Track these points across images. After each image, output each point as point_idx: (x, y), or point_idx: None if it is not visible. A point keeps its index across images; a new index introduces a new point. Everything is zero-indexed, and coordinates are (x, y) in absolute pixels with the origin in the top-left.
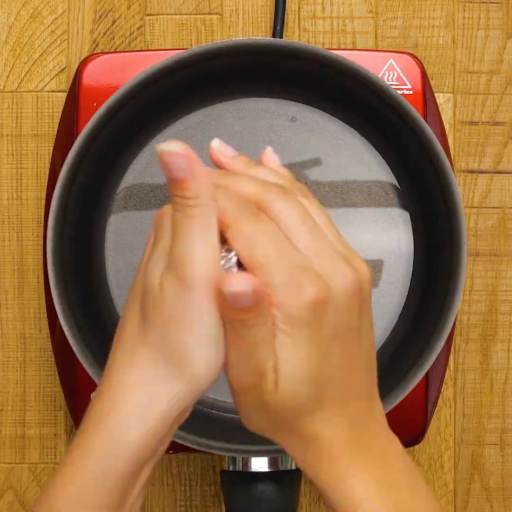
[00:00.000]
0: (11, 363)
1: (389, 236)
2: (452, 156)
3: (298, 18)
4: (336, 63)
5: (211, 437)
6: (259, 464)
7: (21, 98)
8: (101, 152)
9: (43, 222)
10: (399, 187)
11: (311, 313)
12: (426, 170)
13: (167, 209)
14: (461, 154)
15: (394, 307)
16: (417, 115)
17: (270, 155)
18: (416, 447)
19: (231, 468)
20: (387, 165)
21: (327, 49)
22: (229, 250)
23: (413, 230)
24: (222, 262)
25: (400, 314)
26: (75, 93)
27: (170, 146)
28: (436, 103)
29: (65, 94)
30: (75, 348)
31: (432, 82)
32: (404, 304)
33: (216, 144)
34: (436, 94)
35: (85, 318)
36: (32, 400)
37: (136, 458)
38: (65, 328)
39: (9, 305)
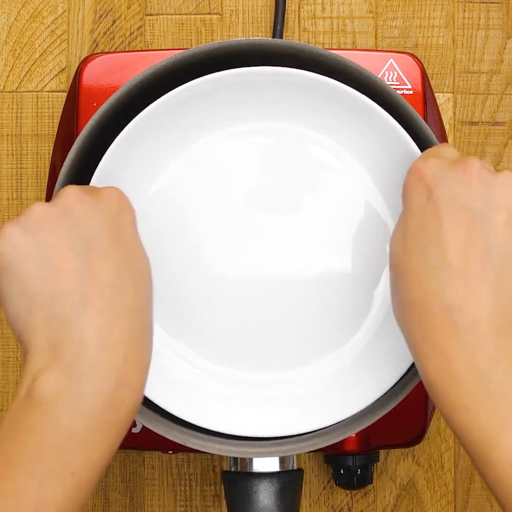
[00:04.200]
0: (11, 363)
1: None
2: None
3: (298, 18)
4: (335, 63)
5: (211, 437)
6: (261, 464)
7: (21, 98)
8: (101, 152)
9: None
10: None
11: None
12: None
13: None
14: (461, 154)
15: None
16: (417, 115)
17: None
18: (416, 447)
19: (232, 469)
20: None
21: (327, 49)
22: None
23: None
24: None
25: None
26: (75, 93)
27: None
28: (436, 103)
29: (65, 94)
30: None
31: (432, 82)
32: None
33: None
34: (436, 94)
35: None
36: None
37: None
38: None
39: None
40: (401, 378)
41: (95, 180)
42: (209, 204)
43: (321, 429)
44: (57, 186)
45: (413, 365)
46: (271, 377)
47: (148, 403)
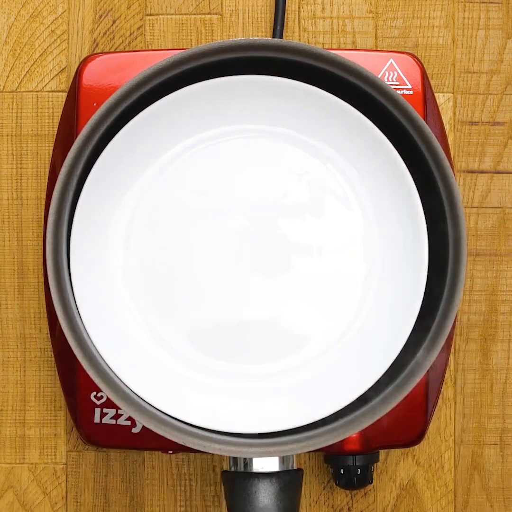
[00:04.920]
0: (11, 363)
1: None
2: (452, 156)
3: (298, 18)
4: (335, 63)
5: (211, 437)
6: (261, 464)
7: (21, 98)
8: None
9: (43, 222)
10: None
11: None
12: (426, 170)
13: None
14: (461, 154)
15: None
16: (417, 115)
17: None
18: (416, 447)
19: (232, 469)
20: None
21: (327, 49)
22: None
23: None
24: None
25: None
26: (75, 93)
27: None
28: (436, 103)
29: (65, 94)
30: (75, 348)
31: (432, 82)
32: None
33: None
34: (436, 94)
35: None
36: (32, 400)
37: None
38: (64, 329)
39: (9, 305)
40: (402, 376)
41: (91, 179)
42: (197, 204)
43: (317, 424)
44: (57, 186)
45: (405, 354)
46: (260, 369)
47: (146, 403)
